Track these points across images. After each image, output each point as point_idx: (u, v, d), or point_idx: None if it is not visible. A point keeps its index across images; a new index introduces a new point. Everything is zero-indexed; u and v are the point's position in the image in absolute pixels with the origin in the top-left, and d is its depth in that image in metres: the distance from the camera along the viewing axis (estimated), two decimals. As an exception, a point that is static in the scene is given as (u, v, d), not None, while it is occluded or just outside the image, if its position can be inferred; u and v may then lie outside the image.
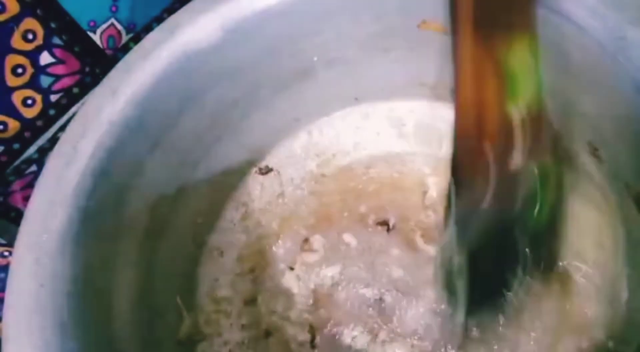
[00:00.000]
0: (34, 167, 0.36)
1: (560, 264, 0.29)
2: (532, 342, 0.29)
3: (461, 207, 0.24)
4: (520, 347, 0.29)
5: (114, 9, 0.36)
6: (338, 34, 0.30)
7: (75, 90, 0.36)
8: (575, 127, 0.31)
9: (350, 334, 0.32)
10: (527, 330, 0.29)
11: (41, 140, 0.35)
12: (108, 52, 0.37)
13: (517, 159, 0.22)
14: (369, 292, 0.33)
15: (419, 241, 0.34)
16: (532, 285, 0.26)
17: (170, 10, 0.38)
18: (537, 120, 0.23)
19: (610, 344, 0.26)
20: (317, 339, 0.32)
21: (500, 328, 0.28)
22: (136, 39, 0.38)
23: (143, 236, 0.29)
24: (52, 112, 0.35)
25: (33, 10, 0.32)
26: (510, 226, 0.24)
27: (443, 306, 0.30)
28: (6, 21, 0.31)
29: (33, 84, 0.34)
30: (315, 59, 0.32)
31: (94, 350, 0.24)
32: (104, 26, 0.36)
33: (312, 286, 0.33)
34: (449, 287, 0.27)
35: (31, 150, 0.35)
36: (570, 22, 0.25)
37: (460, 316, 0.27)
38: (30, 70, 0.33)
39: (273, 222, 0.35)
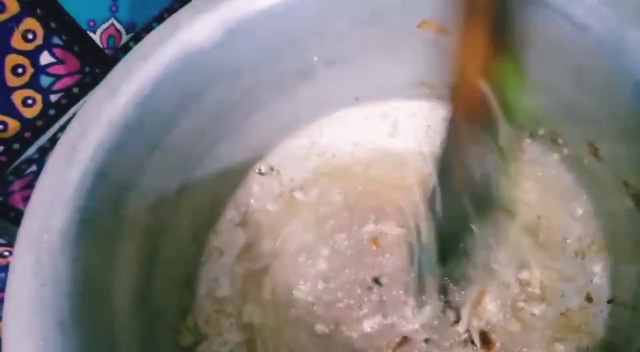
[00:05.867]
0: (34, 167, 0.36)
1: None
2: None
3: (443, 190, 0.27)
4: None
5: (114, 8, 0.36)
6: (338, 34, 0.30)
7: (75, 90, 0.36)
8: (575, 127, 0.31)
9: (351, 332, 0.32)
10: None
11: (41, 141, 0.35)
12: (108, 52, 0.37)
13: (490, 143, 0.25)
14: (369, 292, 0.33)
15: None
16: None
17: (171, 10, 0.38)
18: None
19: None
20: (318, 338, 0.32)
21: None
22: (136, 38, 0.38)
23: (143, 236, 0.29)
24: (52, 112, 0.35)
25: (33, 10, 0.32)
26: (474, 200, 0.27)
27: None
28: (6, 21, 0.31)
29: (33, 84, 0.34)
30: (315, 59, 0.32)
31: (94, 350, 0.24)
32: (104, 26, 0.36)
33: (312, 285, 0.33)
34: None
35: (31, 150, 0.35)
36: (570, 22, 0.25)
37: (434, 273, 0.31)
38: (30, 70, 0.33)
39: (273, 222, 0.35)
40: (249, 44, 0.29)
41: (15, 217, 0.35)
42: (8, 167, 0.35)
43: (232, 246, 0.35)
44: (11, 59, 0.32)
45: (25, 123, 0.34)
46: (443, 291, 0.31)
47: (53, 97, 0.35)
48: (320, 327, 0.32)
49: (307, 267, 0.34)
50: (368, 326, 0.32)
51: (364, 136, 0.37)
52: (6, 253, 0.36)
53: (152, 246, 0.30)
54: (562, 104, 0.30)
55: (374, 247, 0.34)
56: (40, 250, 0.24)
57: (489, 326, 0.31)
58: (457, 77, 0.25)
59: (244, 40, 0.28)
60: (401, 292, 0.32)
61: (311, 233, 0.35)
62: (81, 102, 0.36)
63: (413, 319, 0.32)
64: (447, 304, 0.32)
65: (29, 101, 0.34)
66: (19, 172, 0.35)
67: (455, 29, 0.24)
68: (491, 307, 0.31)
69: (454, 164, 0.26)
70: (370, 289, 0.33)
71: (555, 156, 0.33)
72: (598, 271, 0.31)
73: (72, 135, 0.26)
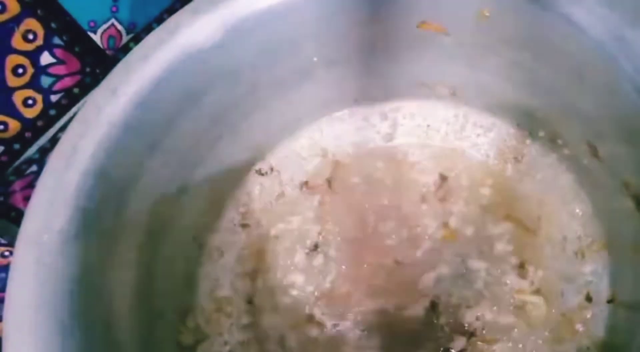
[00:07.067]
0: (34, 168, 0.36)
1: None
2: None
3: None
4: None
5: (114, 9, 0.36)
6: (338, 34, 0.30)
7: (76, 90, 0.36)
8: (574, 127, 0.31)
9: (351, 332, 0.32)
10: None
11: (42, 141, 0.35)
12: (108, 52, 0.37)
13: None
14: (369, 292, 0.33)
15: (418, 240, 0.34)
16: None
17: (171, 10, 0.38)
18: None
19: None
20: (318, 338, 0.32)
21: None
22: (136, 39, 0.38)
23: (143, 236, 0.29)
24: (52, 112, 0.35)
25: (33, 10, 0.32)
26: None
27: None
28: (7, 21, 0.31)
29: (33, 84, 0.34)
30: (315, 59, 0.32)
31: (94, 350, 0.24)
32: (105, 26, 0.36)
33: (312, 286, 0.34)
34: None
35: (32, 150, 0.35)
36: (570, 22, 0.25)
37: None
38: (30, 70, 0.33)
39: (273, 222, 0.35)
40: (249, 44, 0.29)
41: (16, 217, 0.36)
42: (9, 167, 0.35)
43: (232, 245, 0.35)
44: (11, 60, 0.32)
45: (26, 123, 0.34)
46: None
47: (53, 98, 0.35)
48: (322, 321, 0.32)
49: (308, 267, 0.34)
50: (368, 322, 0.32)
51: (364, 136, 0.37)
52: (7, 253, 0.36)
53: (152, 245, 0.30)
54: (562, 104, 0.30)
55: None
56: (40, 250, 0.24)
57: (487, 327, 0.31)
58: None
59: (244, 40, 0.28)
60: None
61: (311, 233, 0.35)
62: (81, 102, 0.36)
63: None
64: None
65: (30, 101, 0.34)
66: (19, 172, 0.35)
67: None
68: (490, 306, 0.31)
69: None
70: (368, 288, 0.33)
71: (555, 156, 0.33)
72: (598, 270, 0.31)
73: (73, 136, 0.26)
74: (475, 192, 0.34)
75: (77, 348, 0.23)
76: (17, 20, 0.31)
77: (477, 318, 0.31)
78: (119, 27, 0.37)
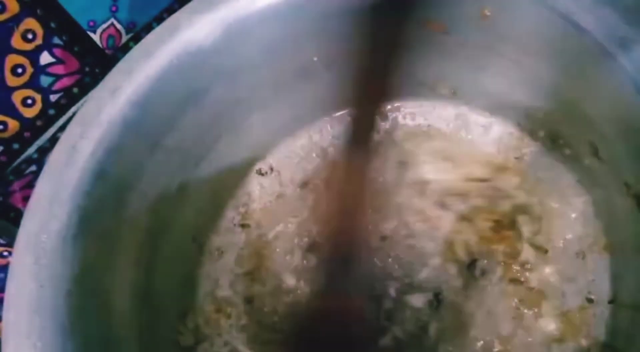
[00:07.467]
0: (33, 167, 0.36)
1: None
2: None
3: None
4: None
5: (114, 8, 0.36)
6: (338, 34, 0.30)
7: (75, 90, 0.36)
8: (575, 127, 0.31)
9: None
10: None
11: (41, 140, 0.35)
12: (108, 52, 0.37)
13: None
14: (369, 292, 0.33)
15: (418, 241, 0.34)
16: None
17: (170, 10, 0.38)
18: None
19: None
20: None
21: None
22: (136, 38, 0.38)
23: (143, 236, 0.29)
24: (51, 112, 0.35)
25: (33, 10, 0.32)
26: None
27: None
28: (6, 21, 0.31)
29: (33, 83, 0.34)
30: (315, 59, 0.32)
31: (94, 350, 0.24)
32: (104, 26, 0.36)
33: (311, 286, 0.33)
34: None
35: (31, 150, 0.35)
36: (570, 22, 0.25)
37: None
38: (30, 70, 0.33)
39: (273, 223, 0.35)
40: (249, 44, 0.29)
41: (15, 217, 0.35)
42: (8, 167, 0.35)
43: (232, 246, 0.35)
44: (11, 59, 0.32)
45: (25, 123, 0.34)
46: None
47: (53, 97, 0.35)
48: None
49: (306, 266, 0.34)
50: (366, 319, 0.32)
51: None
52: (6, 253, 0.36)
53: (152, 246, 0.30)
54: (563, 104, 0.30)
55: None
56: (39, 250, 0.24)
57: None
58: None
59: (244, 40, 0.28)
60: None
61: (310, 233, 0.35)
62: (81, 102, 0.36)
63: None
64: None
65: (29, 101, 0.34)
66: (18, 172, 0.35)
67: None
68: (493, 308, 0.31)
69: None
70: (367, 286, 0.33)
71: (556, 156, 0.33)
72: (599, 271, 0.31)
73: (72, 135, 0.26)
74: (475, 191, 0.34)
75: (76, 348, 0.23)
76: (16, 20, 0.31)
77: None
78: (119, 26, 0.37)
